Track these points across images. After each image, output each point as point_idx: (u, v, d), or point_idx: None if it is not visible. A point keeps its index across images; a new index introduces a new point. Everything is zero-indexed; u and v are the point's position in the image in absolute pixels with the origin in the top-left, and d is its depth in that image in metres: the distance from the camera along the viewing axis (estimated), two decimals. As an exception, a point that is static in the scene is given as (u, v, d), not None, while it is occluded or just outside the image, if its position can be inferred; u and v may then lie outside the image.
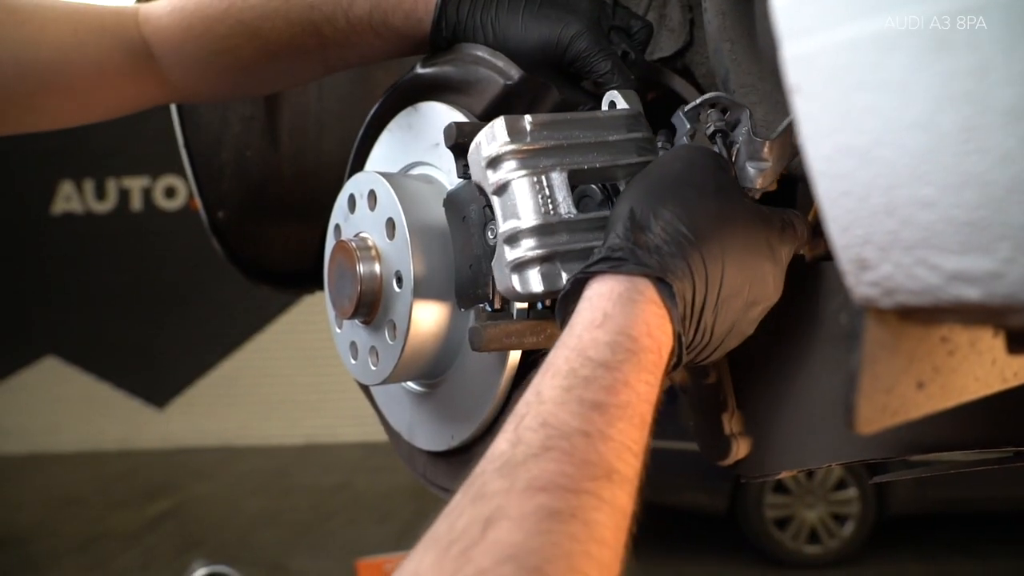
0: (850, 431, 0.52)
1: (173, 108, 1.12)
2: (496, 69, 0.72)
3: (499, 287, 0.61)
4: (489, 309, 0.66)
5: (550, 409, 0.44)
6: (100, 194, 7.95)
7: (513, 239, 0.58)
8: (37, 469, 7.17)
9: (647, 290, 0.51)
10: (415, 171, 0.78)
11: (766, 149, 0.61)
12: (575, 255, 0.58)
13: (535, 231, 0.58)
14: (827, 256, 0.72)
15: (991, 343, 0.41)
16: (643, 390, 0.47)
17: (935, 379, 0.38)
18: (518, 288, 0.59)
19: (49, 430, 7.74)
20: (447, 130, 0.65)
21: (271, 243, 1.26)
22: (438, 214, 0.69)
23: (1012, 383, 0.45)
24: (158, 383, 7.85)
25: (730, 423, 0.72)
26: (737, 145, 0.62)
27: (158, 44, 0.75)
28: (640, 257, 0.52)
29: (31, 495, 6.49)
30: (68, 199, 7.91)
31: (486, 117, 0.73)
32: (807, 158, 0.31)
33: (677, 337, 0.52)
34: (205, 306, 7.66)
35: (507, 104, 0.72)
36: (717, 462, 0.74)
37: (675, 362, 0.53)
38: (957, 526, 4.73)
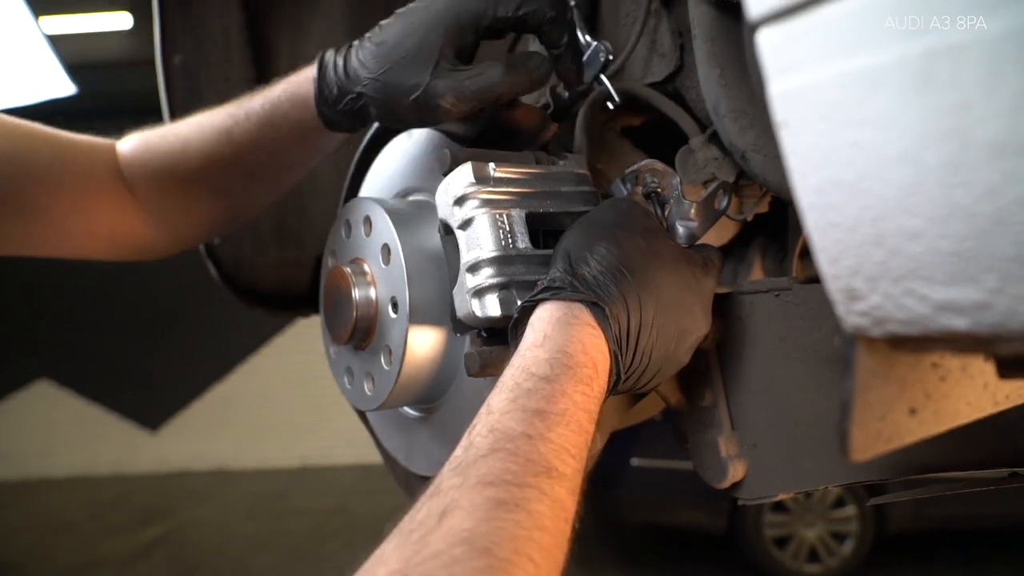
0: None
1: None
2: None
3: (459, 313, 0.65)
4: (484, 334, 0.66)
5: (497, 418, 0.50)
6: (95, 217, 7.93)
7: (475, 267, 0.64)
8: (30, 494, 7.09)
9: (582, 314, 0.58)
10: (410, 197, 0.79)
11: (693, 211, 0.69)
12: (529, 285, 0.63)
13: (495, 261, 0.63)
14: (818, 278, 0.72)
15: (982, 367, 0.41)
16: (579, 399, 0.53)
17: (927, 405, 0.38)
18: (477, 312, 0.63)
19: (42, 454, 7.66)
20: (441, 156, 0.66)
21: (266, 266, 1.26)
22: (433, 240, 0.70)
23: (1004, 406, 0.46)
24: (152, 406, 7.79)
25: (726, 445, 0.72)
26: (668, 205, 0.70)
27: (125, 167, 0.80)
28: (577, 286, 0.59)
29: (23, 520, 6.42)
30: (62, 222, 7.90)
31: (481, 142, 0.73)
32: (796, 191, 0.32)
33: (613, 355, 0.58)
34: (199, 328, 7.62)
35: (501, 129, 0.73)
36: (714, 484, 0.74)
37: (614, 380, 0.59)
38: (957, 543, 4.71)
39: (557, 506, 0.46)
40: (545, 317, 0.58)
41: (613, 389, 0.59)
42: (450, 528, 0.41)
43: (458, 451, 0.49)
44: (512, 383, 0.53)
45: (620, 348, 0.58)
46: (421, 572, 0.39)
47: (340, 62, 0.70)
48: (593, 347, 0.56)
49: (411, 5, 0.68)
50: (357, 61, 0.68)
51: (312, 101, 0.71)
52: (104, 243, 0.82)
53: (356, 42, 0.70)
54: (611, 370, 0.58)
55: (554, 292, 0.59)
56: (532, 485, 0.45)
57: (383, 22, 0.69)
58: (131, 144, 0.81)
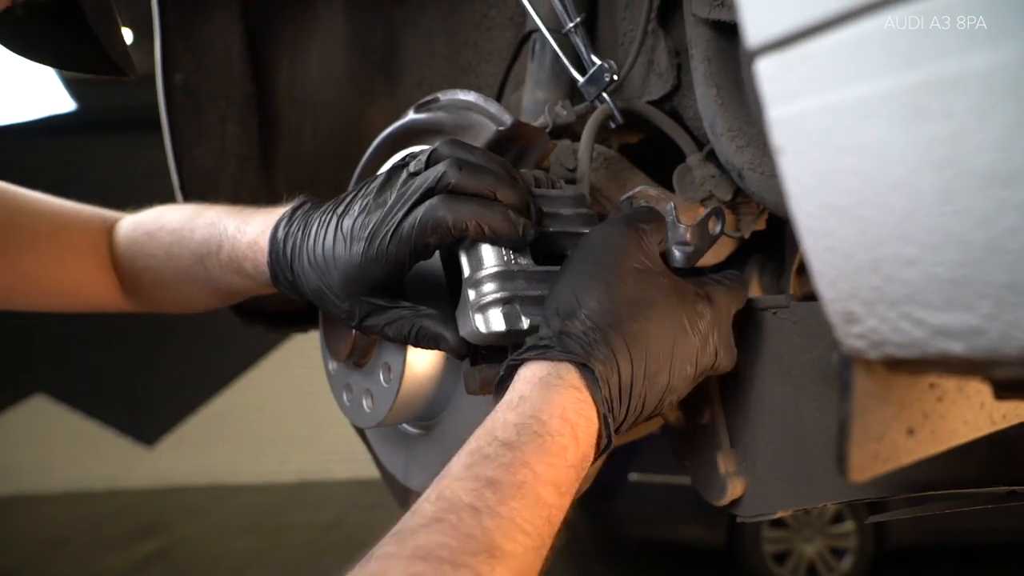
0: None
1: (168, 146, 1.13)
2: (488, 115, 0.73)
3: (462, 332, 0.64)
4: (484, 351, 0.67)
5: (449, 483, 0.47)
6: (92, 230, 7.94)
7: (477, 283, 0.63)
8: (25, 509, 7.05)
9: (568, 375, 0.54)
10: (410, 214, 0.79)
11: (688, 234, 0.68)
12: (532, 301, 0.63)
13: (497, 276, 0.63)
14: (815, 295, 0.73)
15: (979, 388, 0.42)
16: (542, 471, 0.49)
17: (925, 425, 0.38)
18: (481, 328, 0.63)
19: (38, 469, 7.62)
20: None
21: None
22: (433, 258, 0.70)
23: (1001, 425, 0.46)
24: (148, 421, 7.75)
25: (725, 463, 0.72)
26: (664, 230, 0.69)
27: (116, 249, 0.88)
28: (565, 344, 0.55)
29: (19, 535, 6.37)
30: (60, 236, 7.90)
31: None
32: (793, 216, 0.32)
33: (603, 419, 0.54)
34: (195, 343, 7.60)
35: (500, 149, 0.73)
36: (713, 501, 0.74)
37: (605, 443, 0.55)
38: (956, 558, 4.69)
39: None
40: (527, 376, 0.54)
41: (606, 449, 0.56)
42: None
43: (407, 514, 0.46)
44: (474, 446, 0.50)
45: (611, 408, 0.55)
46: None
47: (288, 253, 0.68)
48: (574, 412, 0.53)
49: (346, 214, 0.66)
50: (300, 268, 0.67)
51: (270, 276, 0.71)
52: (78, 304, 0.90)
53: (315, 219, 0.67)
54: (600, 434, 0.54)
55: (540, 351, 0.55)
56: (468, 565, 0.42)
57: (332, 219, 0.66)
58: (127, 230, 0.88)
